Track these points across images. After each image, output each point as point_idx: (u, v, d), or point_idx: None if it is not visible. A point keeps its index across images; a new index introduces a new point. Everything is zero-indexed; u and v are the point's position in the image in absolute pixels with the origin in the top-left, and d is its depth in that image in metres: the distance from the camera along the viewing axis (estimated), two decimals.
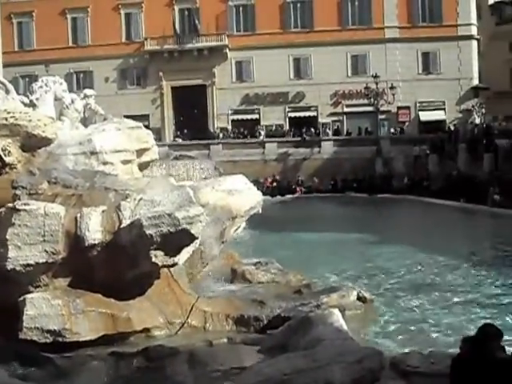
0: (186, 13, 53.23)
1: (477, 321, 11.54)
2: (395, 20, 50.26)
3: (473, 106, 50.56)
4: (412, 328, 11.48)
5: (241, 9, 52.61)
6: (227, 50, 52.19)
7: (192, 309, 10.22)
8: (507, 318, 11.73)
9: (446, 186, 35.76)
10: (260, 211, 12.53)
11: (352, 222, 28.26)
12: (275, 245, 20.72)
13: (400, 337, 10.91)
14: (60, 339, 8.84)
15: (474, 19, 51.08)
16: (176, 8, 53.08)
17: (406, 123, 50.60)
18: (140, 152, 14.08)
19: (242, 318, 10.54)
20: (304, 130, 49.79)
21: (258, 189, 13.19)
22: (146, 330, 9.67)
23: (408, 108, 50.30)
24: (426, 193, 36.96)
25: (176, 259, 9.34)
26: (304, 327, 9.24)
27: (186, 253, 9.51)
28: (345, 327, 9.52)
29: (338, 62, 49.93)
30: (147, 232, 8.93)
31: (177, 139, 51.27)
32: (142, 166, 14.54)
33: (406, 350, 9.04)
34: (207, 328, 10.28)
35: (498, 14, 60.51)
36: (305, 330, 9.13)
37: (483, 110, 51.85)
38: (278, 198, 42.14)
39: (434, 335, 11.09)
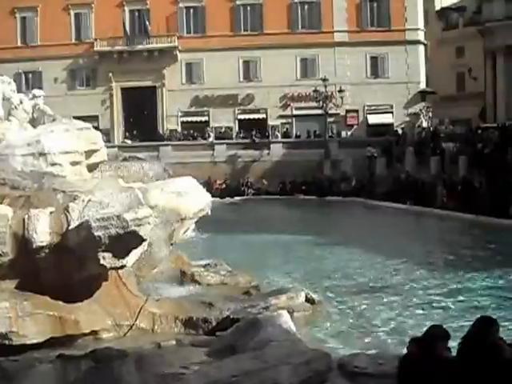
0: (137, 14, 52.85)
1: (423, 322, 11.70)
2: (344, 24, 50.77)
3: (420, 110, 51.35)
4: (359, 329, 11.60)
5: (191, 11, 52.46)
6: (177, 52, 51.98)
7: (140, 311, 10.17)
8: (453, 320, 11.87)
9: (394, 188, 36.22)
10: (209, 213, 12.52)
11: (301, 224, 28.44)
12: (224, 247, 20.71)
13: (348, 338, 10.99)
14: (6, 342, 8.72)
15: (421, 24, 51.91)
16: (126, 9, 52.67)
17: (355, 126, 51.09)
18: (89, 153, 13.94)
19: (191, 320, 10.54)
20: (253, 133, 49.90)
21: (207, 191, 13.20)
22: (94, 333, 9.60)
23: (356, 111, 50.82)
24: (374, 195, 37.35)
25: (124, 261, 9.28)
26: (252, 329, 9.25)
27: (134, 255, 9.46)
28: (293, 329, 9.57)
29: (287, 64, 50.16)
30: (95, 234, 8.85)
31: (126, 141, 50.88)
32: (91, 168, 14.38)
33: (354, 352, 9.11)
34: (156, 330, 10.25)
35: (444, 20, 61.56)
36: (253, 332, 9.13)
37: (430, 114, 52.73)
38: (228, 199, 42.16)
39: (382, 336, 11.18)
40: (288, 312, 10.51)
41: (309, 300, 12.62)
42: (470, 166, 34.79)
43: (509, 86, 52.34)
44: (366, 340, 10.93)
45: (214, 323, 10.56)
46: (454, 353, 6.60)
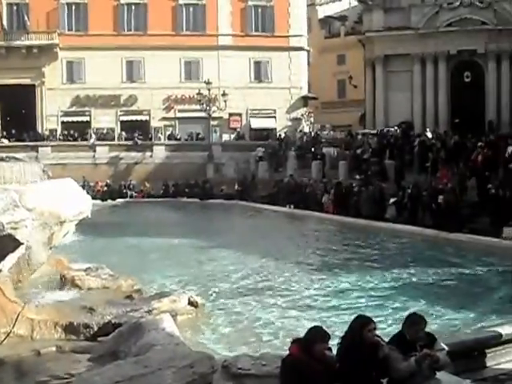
0: (15, 8, 50.98)
1: (305, 323, 11.91)
2: (229, 28, 51.09)
3: (302, 115, 52.36)
4: (242, 331, 11.65)
5: (73, 7, 51.16)
6: (58, 50, 50.56)
7: (18, 317, 9.80)
8: (333, 320, 12.13)
9: (276, 191, 36.70)
10: (90, 216, 12.27)
11: (183, 226, 28.34)
12: (106, 250, 20.39)
13: (231, 340, 11.02)
14: None
15: (304, 31, 52.91)
16: (4, 2, 50.70)
17: (238, 130, 51.45)
18: None
19: (72, 326, 10.25)
20: (136, 134, 49.32)
21: (87, 193, 12.95)
22: None
23: (239, 115, 51.21)
24: (257, 198, 37.72)
25: (0, 266, 8.94)
26: (135, 333, 9.14)
27: (11, 259, 9.12)
28: (176, 332, 9.52)
29: (171, 66, 49.88)
30: None
31: (3, 140, 49.00)
32: None
33: (237, 353, 9.14)
34: (35, 337, 9.90)
35: (327, 28, 63.24)
36: (136, 336, 9.02)
37: (312, 119, 53.89)
38: (109, 202, 41.46)
39: (264, 338, 11.27)
40: (171, 315, 10.44)
41: (192, 303, 12.58)
42: (350, 170, 35.79)
43: (387, 93, 54.27)
44: (249, 342, 10.98)
45: (95, 328, 10.31)
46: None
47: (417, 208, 26.76)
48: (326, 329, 6.86)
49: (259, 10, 51.03)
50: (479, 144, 31.22)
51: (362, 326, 6.67)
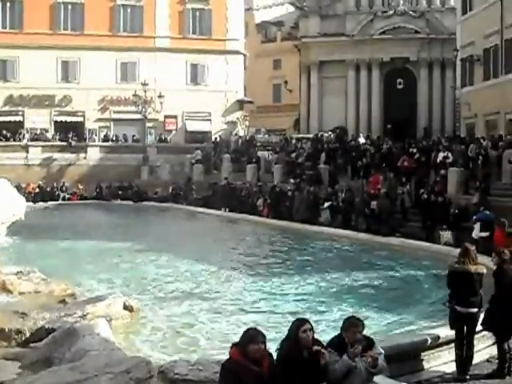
0: None
1: (241, 327, 11.92)
2: (166, 30, 50.75)
3: (237, 119, 52.43)
4: (178, 336, 11.58)
5: (8, 4, 49.83)
6: None
7: None
8: (269, 324, 12.17)
9: (211, 194, 36.67)
10: (22, 218, 12.04)
11: (117, 229, 28.02)
12: (38, 253, 19.96)
13: (167, 345, 10.96)
14: None
15: (241, 35, 53.01)
16: None
17: (173, 132, 51.17)
18: None
19: (3, 332, 10.03)
20: (70, 135, 48.51)
21: (20, 194, 12.68)
22: None
23: (175, 117, 50.92)
24: (192, 201, 37.61)
25: None
26: (69, 339, 9.01)
27: None
28: (112, 337, 9.43)
29: (107, 67, 49.21)
30: None
31: None
32: None
33: (174, 358, 9.09)
34: None
35: (263, 33, 63.60)
36: (70, 342, 8.90)
37: (247, 123, 54.04)
38: (42, 204, 40.65)
39: (200, 342, 11.24)
40: (106, 320, 10.33)
41: (127, 307, 12.48)
42: (285, 174, 36.02)
43: (322, 99, 54.91)
44: (186, 346, 10.95)
45: (27, 334, 10.12)
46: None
47: (350, 212, 27.18)
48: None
49: (197, 13, 50.87)
50: (410, 150, 31.95)
51: (297, 327, 6.74)
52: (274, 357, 6.63)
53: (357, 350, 6.74)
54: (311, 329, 6.72)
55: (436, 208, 23.14)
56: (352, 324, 6.97)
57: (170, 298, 14.56)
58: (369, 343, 6.97)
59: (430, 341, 9.52)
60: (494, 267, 10.00)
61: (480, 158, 27.44)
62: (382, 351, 7.05)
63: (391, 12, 52.86)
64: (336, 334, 7.16)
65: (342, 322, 7.21)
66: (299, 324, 6.77)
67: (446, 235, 20.97)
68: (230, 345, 6.57)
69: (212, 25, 51.02)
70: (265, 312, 13.42)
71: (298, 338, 6.65)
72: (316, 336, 6.92)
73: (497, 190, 24.23)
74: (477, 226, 20.15)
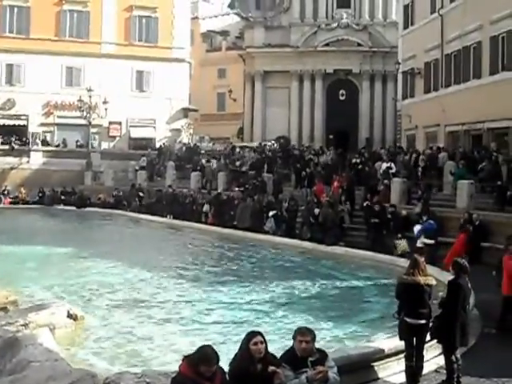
0: None
1: (185, 337, 11.88)
2: (113, 36, 50.25)
3: (182, 126, 52.29)
4: (124, 346, 11.42)
5: None
6: None
7: None
8: (214, 332, 12.15)
9: (156, 202, 36.42)
10: None
11: (60, 235, 27.60)
12: None
13: (113, 355, 10.80)
14: None
15: (187, 44, 52.88)
16: None
17: (117, 138, 50.68)
18: None
19: None
20: (13, 139, 47.55)
21: None
22: None
23: (120, 123, 50.43)
24: (135, 208, 37.26)
25: None
26: (10, 349, 8.80)
27: None
28: (55, 347, 9.27)
29: (52, 72, 48.44)
30: None
31: None
32: None
33: (120, 370, 8.97)
34: None
35: (208, 42, 63.63)
36: (12, 352, 8.69)
37: (191, 131, 53.97)
38: None
39: (146, 353, 11.08)
40: (49, 329, 10.16)
41: (71, 316, 12.30)
42: (229, 182, 36.07)
43: (265, 108, 55.26)
44: (130, 357, 10.80)
45: None
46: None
47: (294, 221, 27.35)
48: (205, 342, 6.79)
49: (144, 21, 50.54)
50: (353, 161, 32.40)
51: (248, 339, 6.71)
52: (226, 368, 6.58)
53: (318, 376, 6.70)
54: (263, 341, 6.67)
55: (380, 217, 23.46)
56: (299, 333, 6.97)
57: (115, 307, 14.38)
58: (322, 356, 6.97)
59: (379, 352, 9.60)
60: (451, 277, 10.09)
61: (419, 169, 28.10)
62: (334, 364, 7.06)
63: (335, 25, 53.63)
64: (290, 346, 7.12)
65: (292, 332, 7.21)
66: (250, 337, 6.73)
67: (403, 244, 21.20)
68: (181, 357, 6.45)
69: (158, 32, 50.79)
70: (210, 321, 13.33)
71: (249, 351, 6.61)
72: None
73: (438, 201, 24.76)
74: (420, 233, 20.54)
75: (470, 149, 30.81)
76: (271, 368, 6.59)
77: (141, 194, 37.47)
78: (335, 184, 26.77)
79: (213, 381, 6.22)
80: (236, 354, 6.78)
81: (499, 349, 11.54)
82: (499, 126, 30.90)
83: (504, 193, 22.64)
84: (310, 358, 6.86)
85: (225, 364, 6.68)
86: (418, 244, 20.46)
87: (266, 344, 6.72)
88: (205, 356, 6.25)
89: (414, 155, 30.17)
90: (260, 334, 6.78)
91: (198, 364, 6.18)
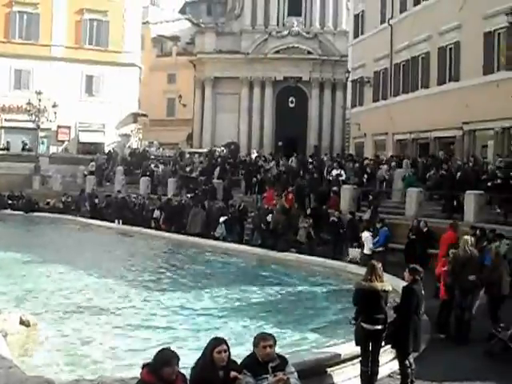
0: None
1: (139, 343, 11.85)
2: (63, 39, 49.48)
3: (131, 131, 51.93)
4: (78, 353, 11.34)
5: None
6: None
7: None
8: (168, 338, 12.12)
9: (105, 207, 36.06)
10: None
11: (8, 240, 27.00)
12: None
13: (67, 362, 10.70)
14: None
15: (137, 48, 52.47)
16: None
17: (66, 142, 50.00)
18: None
19: None
20: None
21: None
22: None
23: (69, 127, 49.72)
24: (84, 213, 36.85)
25: None
26: None
27: None
28: (9, 354, 9.17)
29: (1, 74, 47.53)
30: None
31: None
32: None
33: (74, 377, 8.90)
34: None
35: (159, 47, 63.34)
36: None
37: (140, 136, 53.65)
38: None
39: (100, 359, 11.00)
40: (2, 336, 10.04)
41: (23, 322, 12.15)
42: (179, 188, 36.01)
43: (215, 114, 55.38)
44: (86, 364, 10.72)
45: None
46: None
47: (244, 227, 27.50)
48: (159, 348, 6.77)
49: (94, 24, 49.92)
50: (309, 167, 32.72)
51: (212, 347, 6.66)
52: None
53: (279, 383, 6.70)
54: (227, 350, 6.63)
55: (332, 224, 23.71)
56: (261, 338, 6.94)
57: (67, 313, 14.25)
58: (282, 362, 6.98)
59: (334, 357, 9.72)
60: (406, 283, 10.25)
61: (365, 176, 28.53)
62: (294, 370, 7.10)
63: (285, 32, 54.08)
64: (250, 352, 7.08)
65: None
66: (215, 344, 6.67)
67: (353, 253, 21.48)
68: (141, 365, 6.36)
69: (109, 36, 50.21)
70: (164, 327, 13.32)
71: (212, 359, 6.58)
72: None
73: (387, 208, 25.19)
74: (369, 239, 20.84)
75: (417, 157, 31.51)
76: (233, 374, 6.62)
77: (96, 201, 36.98)
78: (289, 196, 26.78)
79: (169, 381, 6.16)
80: (198, 361, 6.74)
81: (448, 353, 11.83)
82: (446, 136, 31.59)
83: (452, 201, 23.18)
84: (271, 364, 6.83)
85: (183, 370, 6.58)
86: (366, 251, 20.80)
87: (230, 352, 6.71)
88: (166, 357, 6.21)
89: (366, 162, 30.69)
90: (225, 342, 6.73)
91: (160, 368, 6.15)
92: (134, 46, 51.48)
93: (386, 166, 28.86)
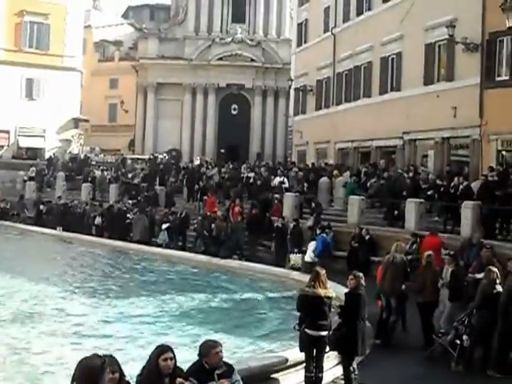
0: None
1: (83, 350, 11.63)
2: (2, 41, 48.28)
3: (72, 136, 51.16)
4: (21, 362, 11.13)
5: None
6: None
7: None
8: (111, 347, 11.92)
9: (46, 213, 35.47)
10: None
11: None
12: None
13: (6, 371, 10.49)
14: None
15: (79, 53, 51.66)
16: None
17: (5, 147, 48.94)
18: None
19: None
20: None
21: None
22: None
23: (8, 132, 48.69)
24: (23, 220, 36.17)
25: None
26: None
27: None
28: None
29: None
30: None
31: None
32: None
33: None
34: None
35: (101, 52, 62.64)
36: None
37: (82, 141, 52.94)
38: None
39: (40, 368, 10.80)
40: None
41: None
42: (121, 194, 35.67)
43: (157, 120, 55.18)
44: (29, 373, 10.51)
45: None
46: None
47: (186, 234, 27.45)
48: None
49: (35, 27, 48.91)
50: (246, 175, 32.85)
51: (157, 354, 6.59)
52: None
53: None
54: (173, 357, 6.57)
55: (282, 232, 23.78)
56: (211, 346, 6.92)
57: (9, 321, 13.98)
58: (229, 370, 6.98)
59: (279, 363, 9.75)
60: (348, 288, 10.42)
61: (305, 184, 28.84)
62: (240, 378, 7.11)
63: (229, 39, 54.31)
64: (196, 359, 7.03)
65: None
66: (160, 352, 6.58)
67: (295, 259, 21.58)
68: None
69: (50, 40, 49.29)
70: (106, 336, 13.12)
71: (158, 366, 6.50)
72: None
73: (329, 216, 25.44)
74: (311, 247, 21.03)
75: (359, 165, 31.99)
76: (178, 380, 6.58)
77: (41, 207, 36.26)
78: (236, 209, 26.72)
79: None
80: (143, 368, 6.68)
81: (390, 359, 12.01)
82: (387, 145, 32.09)
83: (393, 209, 23.55)
84: (217, 371, 6.83)
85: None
86: (307, 259, 20.96)
87: (175, 359, 6.65)
88: (108, 363, 6.05)
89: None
90: (171, 349, 6.65)
91: (102, 371, 6.03)
92: (76, 50, 50.69)
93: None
